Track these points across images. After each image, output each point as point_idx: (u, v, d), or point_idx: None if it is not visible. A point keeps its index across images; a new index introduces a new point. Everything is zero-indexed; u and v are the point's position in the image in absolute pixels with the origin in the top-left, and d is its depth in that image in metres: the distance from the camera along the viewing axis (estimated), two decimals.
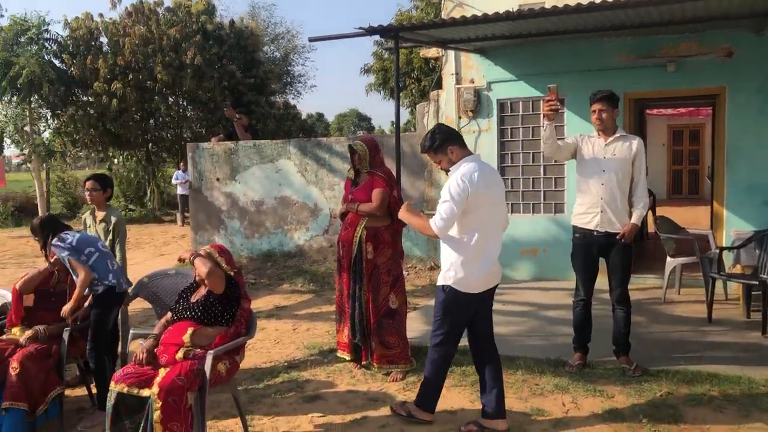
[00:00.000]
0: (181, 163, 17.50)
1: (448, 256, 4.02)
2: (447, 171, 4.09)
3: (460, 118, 8.61)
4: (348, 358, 5.37)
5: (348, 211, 5.24)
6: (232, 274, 4.13)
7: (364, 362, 5.29)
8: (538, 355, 5.35)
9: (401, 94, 21.57)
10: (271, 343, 6.28)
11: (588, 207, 4.96)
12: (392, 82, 20.58)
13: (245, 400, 4.65)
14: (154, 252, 12.79)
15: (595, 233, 4.94)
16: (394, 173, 5.82)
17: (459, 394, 4.69)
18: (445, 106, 8.78)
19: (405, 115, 23.69)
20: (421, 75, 18.83)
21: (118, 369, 4.74)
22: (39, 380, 4.32)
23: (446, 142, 4.03)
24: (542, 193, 8.31)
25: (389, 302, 5.12)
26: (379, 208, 5.07)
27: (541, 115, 5.40)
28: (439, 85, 9.18)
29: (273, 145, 10.01)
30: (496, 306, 4.34)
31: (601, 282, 5.15)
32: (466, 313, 4.08)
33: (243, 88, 19.18)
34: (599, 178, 4.89)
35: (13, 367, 4.25)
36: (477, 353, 4.21)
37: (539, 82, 8.05)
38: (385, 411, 4.48)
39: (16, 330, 4.59)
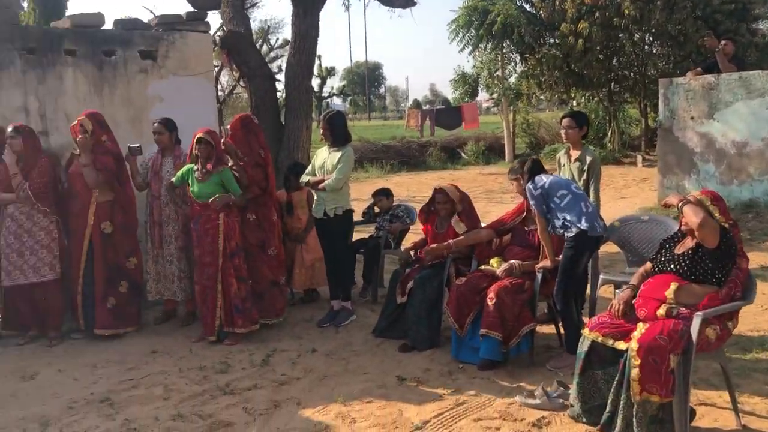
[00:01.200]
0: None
1: None
2: None
3: None
4: None
5: None
6: (726, 226, 3.52)
7: None
8: None
9: None
10: (758, 309, 5.36)
11: None
12: None
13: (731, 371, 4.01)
14: (614, 194, 12.44)
15: None
16: None
17: None
18: None
19: None
20: None
21: (585, 314, 4.63)
22: (512, 313, 4.45)
23: None
24: None
25: None
26: None
27: None
28: None
29: (765, 76, 8.50)
30: None
31: None
32: None
33: (720, 16, 17.02)
34: None
35: (490, 298, 4.46)
36: None
37: None
38: None
39: (494, 261, 4.80)
